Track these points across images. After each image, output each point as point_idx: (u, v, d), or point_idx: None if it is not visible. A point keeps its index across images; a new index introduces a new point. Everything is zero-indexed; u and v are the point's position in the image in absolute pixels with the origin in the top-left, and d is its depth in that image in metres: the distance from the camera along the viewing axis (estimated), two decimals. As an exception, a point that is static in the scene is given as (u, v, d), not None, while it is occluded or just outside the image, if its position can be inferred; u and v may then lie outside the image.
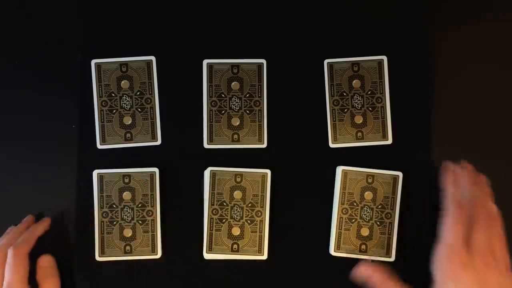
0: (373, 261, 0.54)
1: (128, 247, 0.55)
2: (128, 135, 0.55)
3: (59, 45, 0.56)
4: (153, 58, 0.55)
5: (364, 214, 0.55)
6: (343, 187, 0.55)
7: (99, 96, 0.55)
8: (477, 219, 0.50)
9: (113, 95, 0.55)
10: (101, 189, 0.54)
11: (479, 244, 0.48)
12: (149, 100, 0.55)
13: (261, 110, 0.55)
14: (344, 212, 0.55)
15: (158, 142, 0.55)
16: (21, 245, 0.52)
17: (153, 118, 0.55)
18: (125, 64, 0.55)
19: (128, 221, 0.55)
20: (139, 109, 0.55)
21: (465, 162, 0.55)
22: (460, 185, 0.53)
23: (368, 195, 0.55)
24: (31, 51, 0.56)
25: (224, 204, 0.55)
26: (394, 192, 0.55)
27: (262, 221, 0.55)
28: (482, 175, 0.54)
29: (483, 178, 0.54)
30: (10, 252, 0.51)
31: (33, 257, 0.53)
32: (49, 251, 0.55)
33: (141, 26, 0.56)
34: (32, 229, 0.54)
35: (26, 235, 0.53)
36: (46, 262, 0.54)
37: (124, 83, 0.55)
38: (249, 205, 0.55)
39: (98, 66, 0.55)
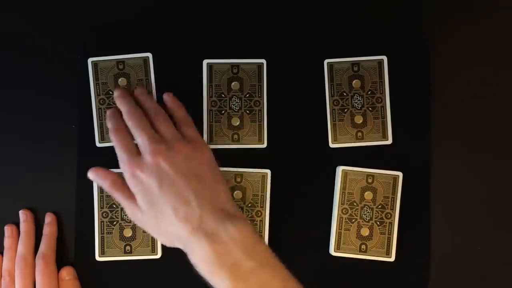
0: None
1: (128, 247, 0.55)
2: (127, 133, 0.55)
3: (59, 45, 0.55)
4: (149, 54, 0.55)
5: (364, 214, 0.55)
6: (343, 187, 0.55)
7: (97, 94, 0.55)
8: (130, 124, 0.49)
9: (110, 93, 0.55)
10: (101, 189, 0.54)
11: (141, 143, 0.48)
12: (147, 98, 0.55)
13: (261, 110, 0.55)
14: (344, 212, 0.55)
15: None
16: (49, 253, 0.54)
17: (151, 116, 0.55)
18: (122, 61, 0.55)
19: (128, 221, 0.54)
20: (137, 107, 0.55)
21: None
22: (115, 116, 0.51)
23: (368, 195, 0.55)
24: (31, 51, 0.55)
25: (224, 204, 0.55)
26: (394, 192, 0.55)
27: (262, 221, 0.55)
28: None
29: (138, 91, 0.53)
30: (41, 262, 0.53)
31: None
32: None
33: (141, 26, 0.56)
34: (50, 233, 0.55)
35: (47, 241, 0.54)
36: (67, 275, 0.54)
37: (122, 81, 0.55)
38: (249, 205, 0.55)
39: (95, 64, 0.55)
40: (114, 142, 0.49)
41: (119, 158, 0.48)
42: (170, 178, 0.46)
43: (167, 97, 0.53)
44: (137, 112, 0.50)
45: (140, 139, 0.48)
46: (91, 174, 0.50)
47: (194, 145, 0.49)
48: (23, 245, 0.53)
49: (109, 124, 0.51)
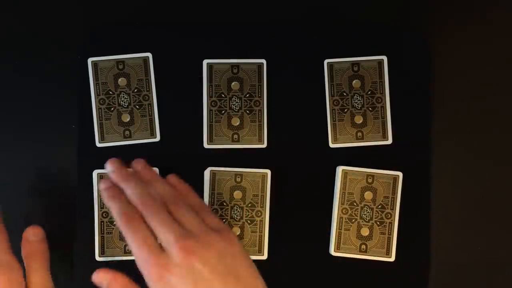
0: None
1: (128, 247, 0.55)
2: (127, 132, 0.55)
3: (59, 45, 0.55)
4: (149, 54, 0.55)
5: (364, 214, 0.55)
6: (343, 187, 0.55)
7: (97, 94, 0.55)
8: (147, 215, 0.42)
9: (110, 92, 0.55)
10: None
11: (166, 240, 0.40)
12: (147, 97, 0.55)
13: (261, 110, 0.55)
14: (344, 212, 0.55)
15: (157, 139, 0.55)
16: None
17: (151, 115, 0.55)
18: (122, 61, 0.55)
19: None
20: (137, 106, 0.55)
21: (114, 166, 0.47)
22: (118, 196, 0.44)
23: (368, 195, 0.55)
24: (31, 51, 0.55)
25: (224, 204, 0.55)
26: (394, 192, 0.55)
27: (262, 221, 0.55)
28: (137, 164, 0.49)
29: (139, 165, 0.48)
30: None
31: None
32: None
33: (141, 26, 0.56)
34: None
35: None
36: (33, 235, 0.48)
37: (122, 81, 0.55)
38: (249, 205, 0.55)
39: (94, 64, 0.55)
40: (127, 234, 0.41)
41: (137, 256, 0.41)
42: (206, 281, 0.39)
43: (174, 180, 0.48)
44: (152, 197, 0.43)
45: (164, 234, 0.40)
46: (100, 275, 0.44)
47: (223, 236, 0.42)
48: None
49: (114, 207, 0.43)
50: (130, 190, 0.44)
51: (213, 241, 0.41)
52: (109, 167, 0.47)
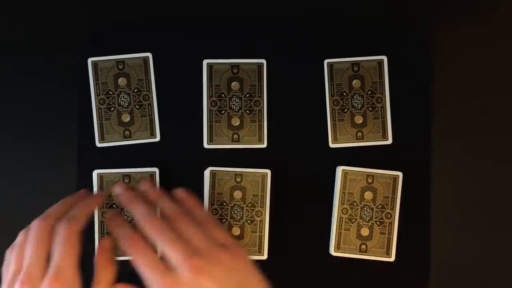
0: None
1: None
2: (127, 132, 0.55)
3: (59, 45, 0.56)
4: (149, 54, 0.55)
5: (364, 214, 0.55)
6: (343, 187, 0.55)
7: (97, 94, 0.55)
8: (153, 235, 0.43)
9: (110, 92, 0.55)
10: (101, 189, 0.54)
11: (174, 259, 0.41)
12: (147, 97, 0.55)
13: (261, 110, 0.55)
14: (344, 212, 0.55)
15: (157, 139, 0.55)
16: (75, 220, 0.44)
17: (151, 115, 0.55)
18: (122, 61, 0.55)
19: (128, 221, 0.54)
20: (137, 106, 0.55)
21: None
22: (121, 222, 0.46)
23: (368, 195, 0.55)
24: (31, 51, 0.56)
25: (224, 204, 0.55)
26: (394, 192, 0.55)
27: (262, 221, 0.55)
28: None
29: (144, 186, 0.50)
30: (61, 228, 0.43)
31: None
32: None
33: (141, 26, 0.56)
34: (86, 203, 0.48)
35: (79, 209, 0.46)
36: (109, 245, 0.48)
37: (122, 81, 0.55)
38: (249, 205, 0.55)
39: (94, 64, 0.55)
40: (135, 258, 0.42)
41: (146, 278, 0.41)
42: None
43: (181, 194, 0.48)
44: (157, 218, 0.44)
45: (172, 253, 0.41)
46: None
47: (232, 252, 0.42)
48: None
49: (118, 234, 0.45)
50: (136, 211, 0.45)
51: (221, 258, 0.41)
52: (117, 190, 0.49)
